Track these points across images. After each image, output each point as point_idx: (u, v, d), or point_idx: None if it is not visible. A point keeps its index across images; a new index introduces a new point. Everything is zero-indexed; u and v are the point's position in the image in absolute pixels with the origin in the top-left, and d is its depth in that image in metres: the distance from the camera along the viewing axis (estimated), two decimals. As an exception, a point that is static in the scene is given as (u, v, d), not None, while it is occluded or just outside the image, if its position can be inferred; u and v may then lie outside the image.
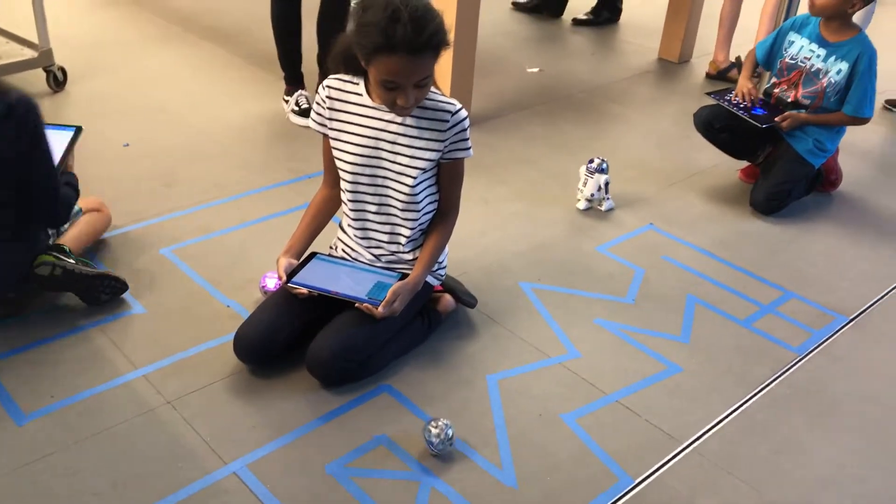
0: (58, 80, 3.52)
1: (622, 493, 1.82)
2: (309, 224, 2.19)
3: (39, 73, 3.50)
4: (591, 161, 2.90)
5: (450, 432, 1.85)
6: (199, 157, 3.11)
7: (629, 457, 1.92)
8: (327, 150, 2.14)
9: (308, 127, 3.29)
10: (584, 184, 2.91)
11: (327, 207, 2.21)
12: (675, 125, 3.69)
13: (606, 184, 2.89)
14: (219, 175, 2.99)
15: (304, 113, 3.38)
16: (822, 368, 2.27)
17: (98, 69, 3.79)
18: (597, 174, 2.88)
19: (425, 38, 1.80)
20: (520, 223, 2.83)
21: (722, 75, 4.21)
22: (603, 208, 2.93)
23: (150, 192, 2.84)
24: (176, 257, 2.51)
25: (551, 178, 3.16)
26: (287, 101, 3.49)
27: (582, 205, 2.93)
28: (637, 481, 1.85)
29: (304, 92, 3.48)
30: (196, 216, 2.72)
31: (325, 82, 2.07)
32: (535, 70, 4.22)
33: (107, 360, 2.09)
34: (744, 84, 3.08)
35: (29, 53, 3.45)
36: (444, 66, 3.33)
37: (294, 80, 3.49)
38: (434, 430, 1.85)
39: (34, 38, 3.46)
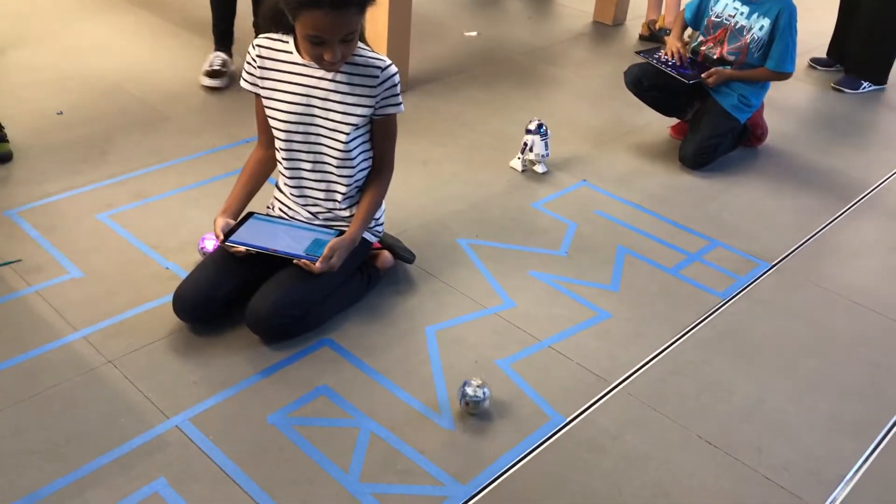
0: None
1: (554, 431, 1.91)
2: (245, 184, 2.21)
3: (-34, 43, 3.43)
4: (531, 123, 2.93)
5: (486, 391, 1.90)
6: (135, 125, 3.09)
7: (561, 398, 2.00)
8: (260, 111, 2.16)
9: (215, 88, 3.37)
10: (531, 148, 2.93)
11: (263, 168, 2.24)
12: (609, 86, 3.77)
13: (546, 146, 2.95)
14: (156, 141, 2.98)
15: (214, 74, 3.41)
16: (745, 311, 2.38)
17: (31, 38, 3.72)
18: (535, 135, 2.92)
19: None
20: (458, 183, 2.89)
21: (656, 36, 4.30)
22: (540, 171, 2.97)
23: (86, 159, 2.83)
24: (113, 222, 2.51)
25: (489, 139, 3.21)
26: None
27: (517, 165, 2.98)
28: (568, 419, 1.94)
29: (220, 53, 3.47)
30: (133, 182, 2.72)
31: (255, 41, 2.08)
32: (473, 34, 4.26)
33: (45, 323, 2.10)
34: (673, 43, 3.16)
35: (-46, 22, 3.37)
36: (380, 30, 3.36)
37: (215, 39, 3.51)
38: (469, 390, 1.90)
39: (-40, 7, 3.39)
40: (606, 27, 4.53)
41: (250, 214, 2.20)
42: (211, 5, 3.46)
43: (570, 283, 2.41)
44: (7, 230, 2.42)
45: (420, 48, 3.75)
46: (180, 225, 2.52)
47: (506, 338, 2.18)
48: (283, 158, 2.15)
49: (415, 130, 3.18)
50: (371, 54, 2.06)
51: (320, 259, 2.05)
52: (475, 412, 1.92)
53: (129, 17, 4.05)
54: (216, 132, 3.08)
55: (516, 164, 2.99)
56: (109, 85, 3.38)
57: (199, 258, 2.34)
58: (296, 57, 2.04)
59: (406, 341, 2.14)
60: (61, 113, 3.11)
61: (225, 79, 3.43)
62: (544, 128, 2.94)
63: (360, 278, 2.26)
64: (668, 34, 4.21)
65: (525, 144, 2.95)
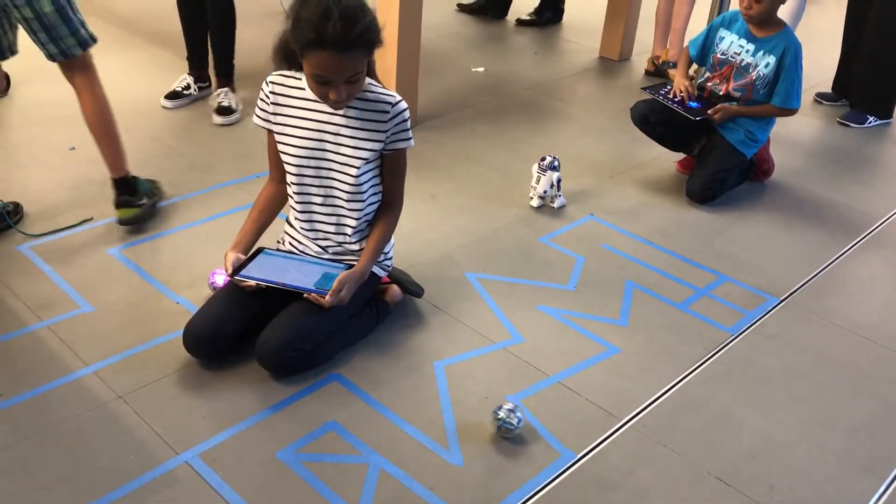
0: (1, 87, 3.50)
1: (564, 468, 1.90)
2: (256, 219, 2.23)
3: (-19, 79, 3.48)
4: (543, 159, 2.95)
5: (520, 416, 1.93)
6: (146, 160, 3.12)
7: (571, 434, 2.00)
8: (272, 146, 2.18)
9: (170, 109, 3.47)
10: (537, 181, 2.96)
11: (274, 203, 2.26)
12: (616, 120, 3.80)
13: (559, 181, 2.95)
14: (166, 176, 3.00)
15: (170, 95, 3.55)
16: (754, 347, 2.38)
17: (43, 74, 3.75)
18: (549, 171, 2.93)
19: (354, 35, 1.86)
20: (465, 217, 2.91)
21: (661, 71, 4.34)
22: (555, 205, 2.97)
23: (97, 194, 2.85)
24: (124, 257, 2.53)
25: (496, 173, 3.24)
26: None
27: (535, 202, 2.97)
28: (578, 456, 1.93)
29: (187, 76, 3.59)
30: (144, 217, 2.75)
31: (269, 78, 2.11)
32: (480, 69, 4.31)
33: (56, 358, 2.10)
34: (679, 81, 3.19)
35: (-30, 59, 3.42)
36: (389, 67, 3.40)
37: (188, 62, 3.61)
38: (502, 413, 1.92)
39: (-25, 44, 3.43)
40: (612, 62, 4.58)
41: (260, 250, 2.21)
42: (180, 15, 3.53)
43: (579, 318, 2.42)
44: (20, 265, 2.45)
45: (428, 83, 3.79)
46: (191, 260, 2.54)
47: (515, 373, 2.18)
48: (295, 193, 2.18)
49: (422, 165, 3.21)
50: (381, 90, 2.09)
51: (330, 292, 2.06)
52: (508, 437, 1.93)
53: (140, 53, 4.11)
54: (226, 167, 3.11)
55: (534, 201, 2.98)
56: (121, 120, 3.40)
57: (209, 293, 2.36)
58: (308, 93, 2.07)
59: (415, 376, 2.14)
60: (73, 148, 3.15)
61: (183, 100, 3.56)
62: (556, 163, 2.95)
63: (370, 312, 2.27)
64: (672, 67, 4.28)
65: (536, 178, 2.98)
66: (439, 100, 3.85)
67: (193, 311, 2.23)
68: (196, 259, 2.54)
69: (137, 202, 2.65)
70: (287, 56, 2.03)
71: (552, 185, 2.95)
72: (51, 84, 3.67)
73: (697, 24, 4.06)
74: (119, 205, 2.63)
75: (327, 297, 2.05)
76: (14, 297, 2.30)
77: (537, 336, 2.33)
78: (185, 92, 3.57)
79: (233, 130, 3.42)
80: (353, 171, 2.10)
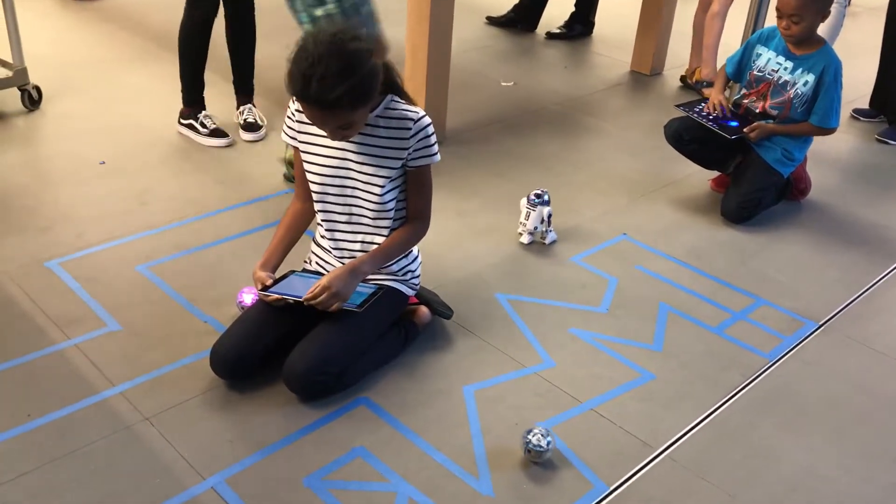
0: (33, 100, 3.52)
1: (597, 500, 1.85)
2: (283, 238, 2.21)
3: (14, 93, 3.50)
4: (531, 193, 2.78)
5: (550, 440, 1.89)
6: (175, 174, 3.12)
7: (604, 464, 1.94)
8: (299, 163, 2.16)
9: (221, 147, 3.35)
10: (527, 217, 2.78)
11: (300, 220, 2.24)
12: (648, 136, 3.74)
13: (549, 216, 2.77)
14: (195, 192, 3.00)
15: (217, 133, 3.36)
16: (793, 373, 2.31)
17: (73, 88, 3.79)
18: (539, 206, 2.76)
19: (333, 97, 1.84)
20: (495, 235, 2.86)
21: (697, 86, 4.28)
22: (546, 241, 2.80)
23: (126, 209, 2.85)
24: (152, 274, 2.51)
25: (525, 189, 3.17)
26: (190, 126, 3.38)
27: (525, 239, 2.79)
28: (612, 488, 1.88)
29: (206, 112, 3.40)
30: (172, 233, 2.73)
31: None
32: (510, 84, 4.27)
33: (83, 378, 2.09)
34: (716, 97, 3.12)
35: (3, 73, 3.45)
36: (418, 81, 3.37)
37: (195, 102, 3.41)
38: (531, 437, 1.89)
39: (8, 58, 3.46)
40: (644, 77, 4.52)
41: (291, 272, 2.19)
42: (183, 54, 3.33)
43: (612, 342, 2.36)
44: (48, 281, 2.44)
45: (457, 99, 3.75)
46: (219, 277, 2.52)
47: (546, 399, 2.13)
48: (319, 211, 2.15)
49: (450, 181, 3.17)
50: (404, 106, 2.06)
51: (314, 287, 2.02)
52: (538, 461, 1.89)
53: (167, 67, 4.08)
54: (255, 183, 3.10)
55: (524, 237, 2.80)
56: (150, 134, 3.42)
57: (236, 312, 2.33)
58: None
59: (443, 401, 2.10)
60: (104, 163, 3.15)
61: (225, 139, 3.38)
62: (546, 197, 2.78)
63: (398, 334, 2.23)
64: (706, 86, 4.22)
65: (525, 214, 2.80)
66: (468, 115, 3.81)
67: (221, 330, 2.21)
68: (224, 277, 2.52)
69: None
70: None
71: (542, 221, 2.77)
72: (81, 97, 3.71)
73: (734, 40, 4.00)
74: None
75: (305, 296, 2.02)
76: (42, 315, 2.29)
77: (569, 361, 2.28)
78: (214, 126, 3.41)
79: (258, 146, 3.40)
80: (377, 190, 2.07)
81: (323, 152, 2.08)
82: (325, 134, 2.06)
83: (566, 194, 3.18)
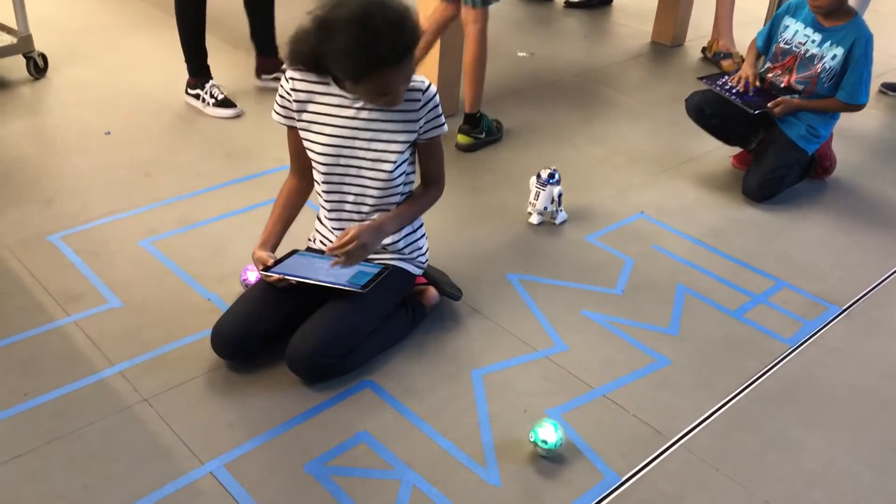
0: (38, 67, 3.45)
1: (607, 492, 1.78)
2: (280, 215, 2.14)
3: (19, 60, 3.43)
4: (541, 173, 2.68)
5: (560, 435, 1.82)
6: (181, 145, 3.05)
7: (615, 453, 1.87)
8: (292, 141, 2.09)
9: (229, 118, 3.27)
10: (536, 196, 2.67)
11: (296, 197, 2.16)
12: (668, 110, 3.63)
13: (560, 196, 2.67)
14: (201, 164, 2.93)
15: (224, 103, 3.27)
16: (814, 361, 2.22)
17: (80, 55, 3.72)
18: (549, 186, 2.65)
19: (404, 43, 1.79)
20: (508, 213, 2.78)
21: (716, 58, 4.15)
22: (556, 222, 2.70)
23: (131, 181, 2.79)
24: (155, 249, 2.45)
25: (540, 164, 3.08)
26: (197, 96, 3.30)
27: (535, 219, 2.70)
28: (623, 479, 1.81)
29: (213, 82, 3.31)
30: (177, 207, 2.67)
31: (288, 74, 1.99)
32: (526, 54, 4.15)
33: (83, 356, 2.04)
34: (745, 71, 3.00)
35: (8, 39, 3.38)
36: (431, 54, 3.27)
37: (200, 71, 3.31)
38: (542, 432, 1.82)
39: (13, 24, 3.39)
40: (665, 48, 4.39)
41: (294, 251, 2.12)
42: (181, 23, 3.23)
43: (627, 325, 2.29)
44: (50, 256, 2.39)
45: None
46: (224, 253, 2.45)
47: (557, 385, 2.06)
48: (324, 192, 2.07)
49: (463, 155, 3.09)
50: None
51: (337, 242, 1.96)
52: (548, 456, 1.83)
53: (174, 34, 3.99)
54: (263, 155, 3.02)
55: (534, 217, 2.71)
56: (157, 104, 3.35)
57: (240, 290, 2.27)
58: (334, 88, 1.96)
59: (451, 385, 2.03)
60: (109, 133, 3.09)
61: (237, 109, 3.31)
62: (557, 176, 2.66)
63: (405, 315, 2.16)
64: (725, 58, 4.08)
65: (534, 194, 2.69)
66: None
67: (223, 308, 2.15)
68: (229, 252, 2.45)
69: (475, 134, 3.15)
70: (313, 64, 1.92)
71: (553, 201, 2.67)
72: (87, 64, 3.63)
73: (762, 11, 3.86)
74: (460, 131, 3.16)
75: (337, 242, 1.96)
76: (43, 291, 2.24)
77: (582, 344, 2.20)
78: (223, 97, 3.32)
79: (267, 117, 3.31)
80: (388, 167, 1.99)
81: (327, 131, 2.00)
82: (328, 112, 1.97)
83: (583, 170, 3.09)
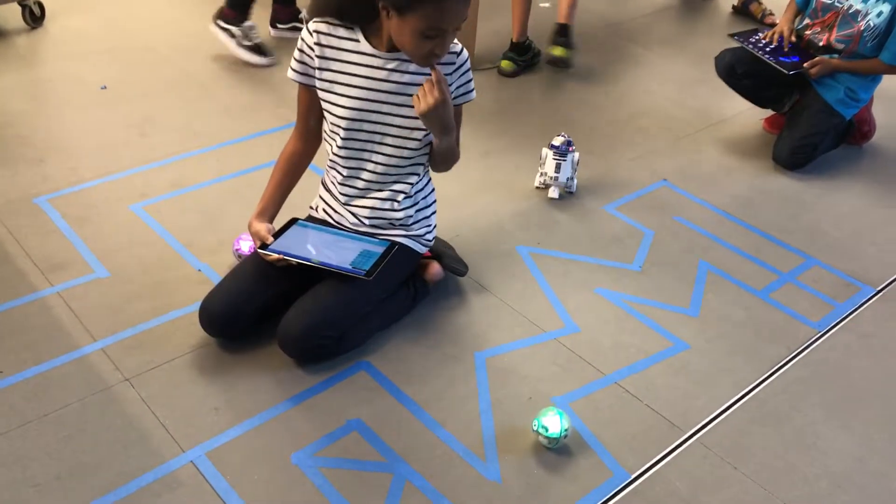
0: (35, 16, 3.30)
1: (616, 490, 1.66)
2: (280, 182, 1.99)
3: (14, 8, 3.28)
4: (554, 141, 2.47)
5: (566, 424, 1.70)
6: (179, 102, 2.91)
7: (626, 448, 1.74)
8: (304, 100, 1.92)
9: (260, 66, 3.09)
10: (557, 168, 2.46)
11: (298, 162, 2.01)
12: (696, 68, 3.42)
13: (577, 162, 2.50)
14: (199, 122, 2.79)
15: (258, 50, 3.07)
16: (845, 347, 2.07)
17: (79, 5, 3.56)
18: (569, 154, 2.45)
19: None
20: (521, 178, 2.62)
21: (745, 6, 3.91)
22: (573, 190, 2.53)
23: (125, 141, 2.65)
24: (146, 214, 2.33)
25: (558, 126, 2.92)
26: (228, 32, 3.05)
27: (554, 193, 2.49)
28: (633, 476, 1.68)
29: (251, 23, 3.06)
30: (171, 169, 2.53)
31: (312, 26, 1.82)
32: (547, 5, 3.93)
33: (64, 330, 1.93)
34: (781, 26, 2.79)
35: (2, -14, 3.22)
36: None
37: (242, 6, 3.03)
38: (546, 421, 1.70)
39: (7, -30, 3.23)
40: (695, 2, 4.15)
41: (293, 221, 1.98)
42: None
43: (643, 305, 2.14)
44: (36, 220, 2.27)
45: (487, 23, 3.46)
46: (218, 219, 2.32)
47: (566, 370, 1.93)
48: (342, 157, 1.91)
49: (476, 116, 2.91)
50: None
51: (433, 79, 1.72)
52: (551, 446, 1.71)
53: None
54: (264, 113, 2.87)
55: (553, 191, 2.50)
56: (156, 56, 3.20)
57: (233, 261, 2.15)
58: (364, 46, 1.79)
59: (452, 369, 1.91)
60: (105, 87, 2.94)
61: (272, 58, 3.13)
62: (565, 144, 2.47)
63: (406, 292, 2.03)
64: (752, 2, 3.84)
65: (554, 166, 2.48)
66: (498, 40, 3.49)
67: (215, 280, 2.03)
68: (223, 219, 2.32)
69: (521, 60, 3.20)
70: (342, 9, 1.75)
71: (574, 169, 2.49)
72: (89, 14, 3.48)
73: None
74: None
75: (434, 80, 1.71)
76: (26, 257, 2.13)
77: (594, 325, 2.06)
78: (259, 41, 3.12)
79: (274, 71, 3.16)
80: (419, 135, 1.84)
81: (352, 93, 1.83)
82: (355, 72, 1.81)
83: (604, 132, 2.91)
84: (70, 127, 2.71)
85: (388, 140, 1.86)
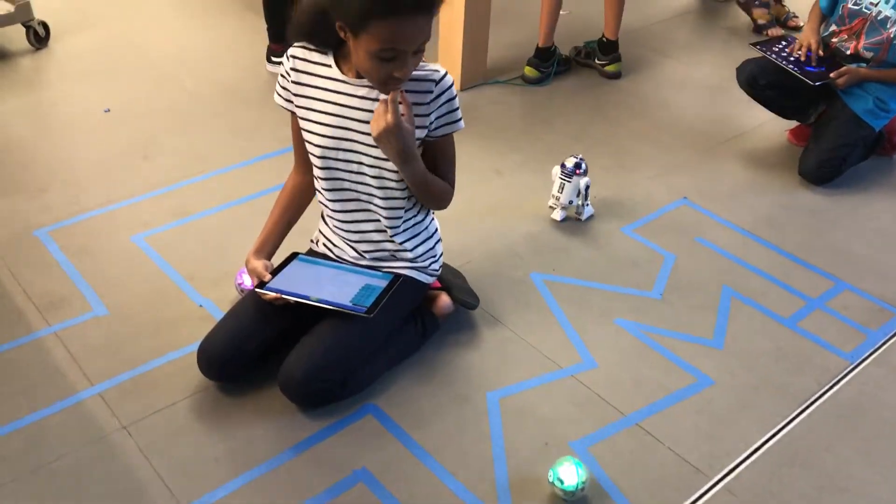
0: (39, 37, 3.25)
1: (637, 545, 1.56)
2: (280, 217, 1.91)
3: (19, 30, 3.23)
4: (566, 162, 2.36)
5: (583, 475, 1.61)
6: (183, 124, 2.84)
7: (647, 495, 1.65)
8: (296, 130, 1.84)
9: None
10: (560, 189, 2.37)
11: (300, 196, 1.93)
12: (716, 76, 3.31)
13: (587, 188, 2.37)
14: (203, 145, 2.72)
15: None
16: (878, 381, 1.96)
17: (85, 23, 3.51)
18: (575, 177, 2.35)
19: None
20: (534, 199, 2.52)
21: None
22: (582, 218, 2.42)
23: (126, 167, 2.59)
24: (148, 246, 2.26)
25: (572, 142, 2.82)
26: (277, 63, 3.10)
27: (558, 215, 2.41)
28: (655, 529, 1.59)
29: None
30: (174, 196, 2.46)
31: (290, 51, 1.75)
32: (564, 13, 3.82)
33: (60, 374, 1.86)
34: (807, 37, 2.66)
35: (5, 7, 3.17)
36: (456, 14, 2.99)
37: (282, 36, 3.08)
38: (562, 472, 1.61)
39: (9, -10, 3.18)
40: (715, 5, 4.03)
41: (294, 255, 1.90)
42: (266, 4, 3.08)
43: (665, 337, 2.04)
44: (35, 253, 2.21)
45: (500, 33, 3.36)
46: (221, 250, 2.25)
47: (584, 410, 1.83)
48: (325, 189, 1.83)
49: (487, 132, 2.82)
50: (421, 63, 1.69)
51: (383, 102, 1.61)
52: (568, 499, 1.61)
53: (191, -4, 3.79)
54: (271, 134, 2.79)
55: (557, 213, 2.42)
56: (161, 75, 3.13)
57: (236, 295, 2.07)
58: (335, 72, 1.71)
59: (463, 411, 1.82)
60: (108, 110, 2.88)
61: None
62: (584, 165, 2.36)
63: (414, 328, 1.94)
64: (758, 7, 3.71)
65: (558, 185, 2.39)
66: (512, 51, 3.41)
67: (217, 316, 1.96)
68: (227, 249, 2.25)
69: (544, 67, 3.21)
70: (313, 32, 1.67)
71: (579, 194, 2.37)
72: (93, 33, 3.42)
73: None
74: (528, 64, 3.20)
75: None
76: (23, 295, 2.07)
77: (613, 360, 1.96)
78: None
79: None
80: (392, 165, 1.73)
81: (323, 120, 1.75)
82: (326, 98, 1.73)
83: (620, 147, 2.81)
84: (73, 153, 2.65)
85: (366, 170, 1.76)
